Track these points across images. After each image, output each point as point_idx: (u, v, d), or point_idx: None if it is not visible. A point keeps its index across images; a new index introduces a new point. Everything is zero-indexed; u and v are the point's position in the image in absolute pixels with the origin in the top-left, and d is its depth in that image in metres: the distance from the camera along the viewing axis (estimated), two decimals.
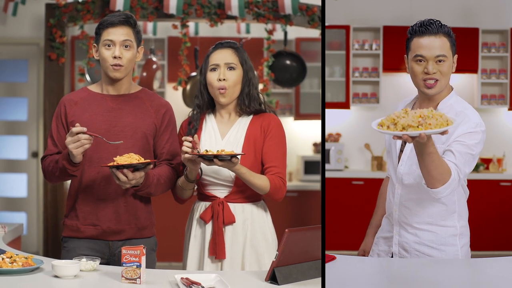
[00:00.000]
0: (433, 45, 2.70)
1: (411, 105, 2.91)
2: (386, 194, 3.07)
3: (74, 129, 2.72)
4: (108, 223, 2.94)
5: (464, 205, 2.84)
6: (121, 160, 2.74)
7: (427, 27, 2.71)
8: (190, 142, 2.83)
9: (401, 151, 2.84)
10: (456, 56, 2.77)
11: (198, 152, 2.82)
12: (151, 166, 2.80)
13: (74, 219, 2.98)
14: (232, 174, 2.96)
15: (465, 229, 2.85)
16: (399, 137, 2.35)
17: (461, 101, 2.80)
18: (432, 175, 2.49)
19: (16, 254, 2.63)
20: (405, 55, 2.83)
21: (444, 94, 2.79)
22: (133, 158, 2.75)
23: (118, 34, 2.90)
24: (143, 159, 2.78)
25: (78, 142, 2.72)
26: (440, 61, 2.70)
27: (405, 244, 2.84)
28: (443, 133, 2.34)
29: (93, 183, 2.94)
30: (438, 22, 2.72)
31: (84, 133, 2.72)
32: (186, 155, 2.83)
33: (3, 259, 2.54)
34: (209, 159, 2.78)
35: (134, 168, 2.75)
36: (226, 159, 2.78)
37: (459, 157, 2.59)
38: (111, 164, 2.73)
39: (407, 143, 2.79)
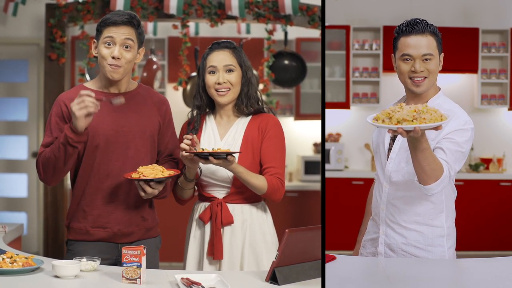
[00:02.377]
0: (420, 44, 2.73)
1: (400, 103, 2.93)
2: None
3: (83, 92, 2.65)
4: (119, 225, 2.91)
5: (452, 205, 2.84)
6: (146, 172, 2.74)
7: (414, 27, 2.74)
8: (190, 140, 2.84)
9: (390, 149, 2.85)
10: (442, 54, 2.80)
11: (195, 150, 2.83)
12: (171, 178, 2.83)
13: (82, 222, 2.92)
14: (230, 174, 2.95)
15: (451, 230, 2.84)
16: (394, 131, 2.36)
17: (449, 100, 2.83)
18: (425, 171, 2.50)
19: (17, 254, 2.63)
20: (392, 54, 2.85)
21: (431, 93, 2.82)
22: (157, 170, 2.77)
23: (119, 33, 2.83)
24: (165, 169, 2.79)
25: (82, 103, 2.64)
26: (427, 59, 2.73)
27: (392, 244, 2.83)
28: (436, 128, 2.36)
29: (102, 185, 2.89)
30: (424, 21, 2.75)
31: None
32: (184, 153, 2.83)
33: (3, 259, 2.54)
34: (205, 157, 2.78)
35: (158, 181, 2.78)
36: (221, 157, 2.78)
37: (450, 155, 2.60)
38: (136, 177, 2.74)
39: (395, 141, 2.82)
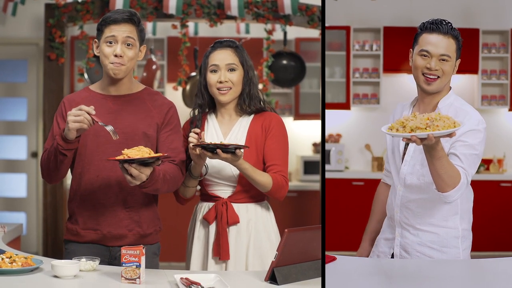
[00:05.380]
0: (440, 44, 2.75)
1: (412, 105, 2.93)
2: (381, 199, 3.11)
3: (84, 107, 2.63)
4: (109, 227, 2.87)
5: (468, 208, 2.85)
6: (131, 153, 2.59)
7: (438, 26, 2.76)
8: (197, 134, 2.81)
9: (405, 153, 2.85)
10: (459, 60, 2.81)
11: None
12: (160, 162, 2.67)
13: (74, 223, 2.92)
14: (235, 173, 2.95)
15: (467, 233, 2.85)
16: (408, 139, 2.38)
17: (460, 99, 2.84)
18: (443, 179, 2.51)
19: (16, 254, 2.63)
20: (411, 49, 2.86)
21: (443, 93, 2.83)
22: (143, 151, 2.61)
23: (121, 31, 2.83)
24: (153, 152, 2.65)
25: (78, 117, 2.62)
26: (443, 60, 2.74)
27: (407, 245, 2.83)
28: (450, 135, 2.37)
29: (92, 187, 2.87)
30: (449, 23, 2.77)
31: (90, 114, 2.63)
32: (191, 145, 2.80)
33: (2, 259, 2.53)
34: (212, 150, 2.74)
35: (143, 163, 2.60)
36: (230, 151, 2.74)
37: (465, 160, 2.63)
38: (120, 158, 2.58)
39: (410, 144, 2.81)
